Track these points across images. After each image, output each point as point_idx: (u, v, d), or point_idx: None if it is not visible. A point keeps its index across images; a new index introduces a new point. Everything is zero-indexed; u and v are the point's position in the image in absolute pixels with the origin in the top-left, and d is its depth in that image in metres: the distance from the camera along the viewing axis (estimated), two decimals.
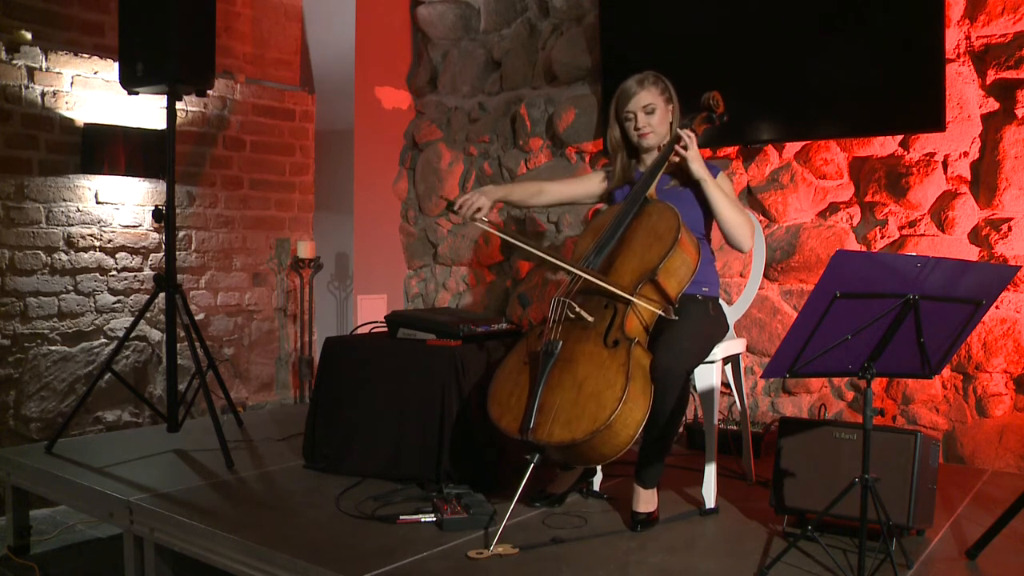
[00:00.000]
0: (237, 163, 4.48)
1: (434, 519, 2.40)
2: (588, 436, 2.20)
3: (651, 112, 2.65)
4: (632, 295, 2.38)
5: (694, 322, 2.47)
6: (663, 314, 2.32)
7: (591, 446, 2.23)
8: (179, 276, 3.97)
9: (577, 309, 2.41)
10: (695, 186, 2.64)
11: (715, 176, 2.64)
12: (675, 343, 2.37)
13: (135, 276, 4.06)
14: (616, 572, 2.09)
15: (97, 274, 3.93)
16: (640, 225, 2.55)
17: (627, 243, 2.54)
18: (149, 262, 4.11)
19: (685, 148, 2.54)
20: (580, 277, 2.48)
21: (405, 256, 4.88)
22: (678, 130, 2.58)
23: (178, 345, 3.18)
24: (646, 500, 2.42)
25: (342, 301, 4.69)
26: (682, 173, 2.66)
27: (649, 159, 2.72)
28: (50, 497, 3.08)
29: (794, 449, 2.33)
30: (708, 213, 2.68)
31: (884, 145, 3.33)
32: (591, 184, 2.90)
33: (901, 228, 3.33)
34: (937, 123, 3.09)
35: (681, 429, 3.47)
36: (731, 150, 3.68)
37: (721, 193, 2.56)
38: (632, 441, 2.25)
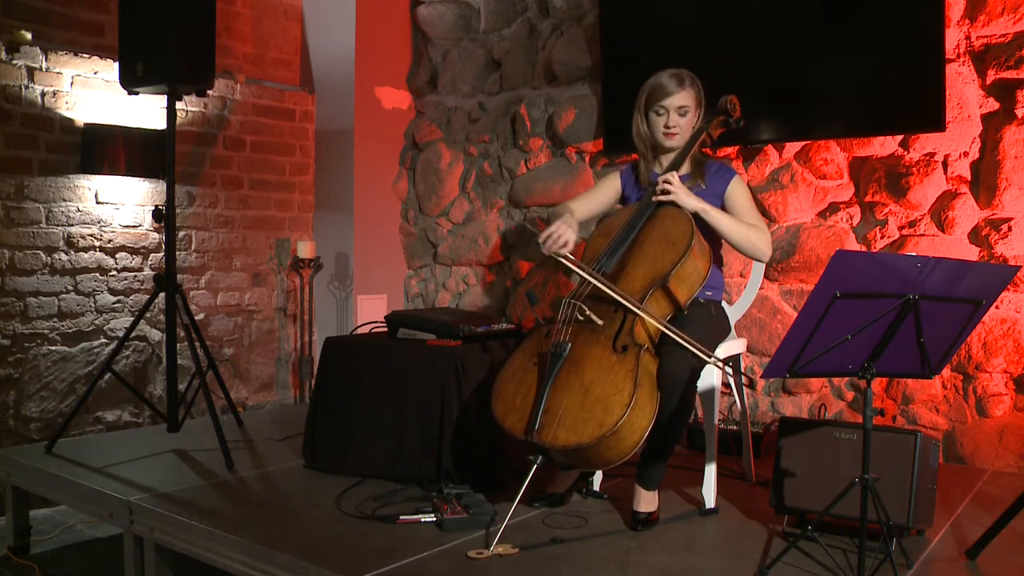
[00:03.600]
0: (237, 163, 4.48)
1: (434, 519, 2.40)
2: (594, 441, 2.19)
3: (684, 114, 2.60)
4: (642, 308, 2.36)
5: (698, 326, 2.46)
6: (706, 359, 2.28)
7: (596, 451, 2.22)
8: (179, 276, 3.97)
9: (587, 312, 2.40)
10: (712, 188, 2.61)
11: (729, 179, 2.62)
12: (679, 348, 2.35)
13: (135, 276, 4.06)
14: (616, 572, 2.09)
15: (97, 274, 3.93)
16: (653, 229, 2.52)
17: (640, 247, 2.52)
18: (149, 262, 4.11)
19: (666, 193, 2.48)
20: (590, 280, 2.45)
21: (405, 256, 4.88)
22: (657, 177, 2.53)
23: (178, 345, 3.18)
24: (647, 500, 2.42)
25: (342, 301, 4.69)
26: (699, 173, 2.65)
27: (666, 159, 2.68)
28: (50, 497, 3.08)
29: (794, 449, 2.33)
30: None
31: (884, 145, 3.33)
32: (609, 191, 2.84)
33: (901, 228, 3.33)
34: (937, 123, 3.09)
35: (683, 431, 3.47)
36: (731, 150, 3.68)
37: (724, 218, 2.51)
38: (637, 447, 2.25)
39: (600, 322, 2.40)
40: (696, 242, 2.44)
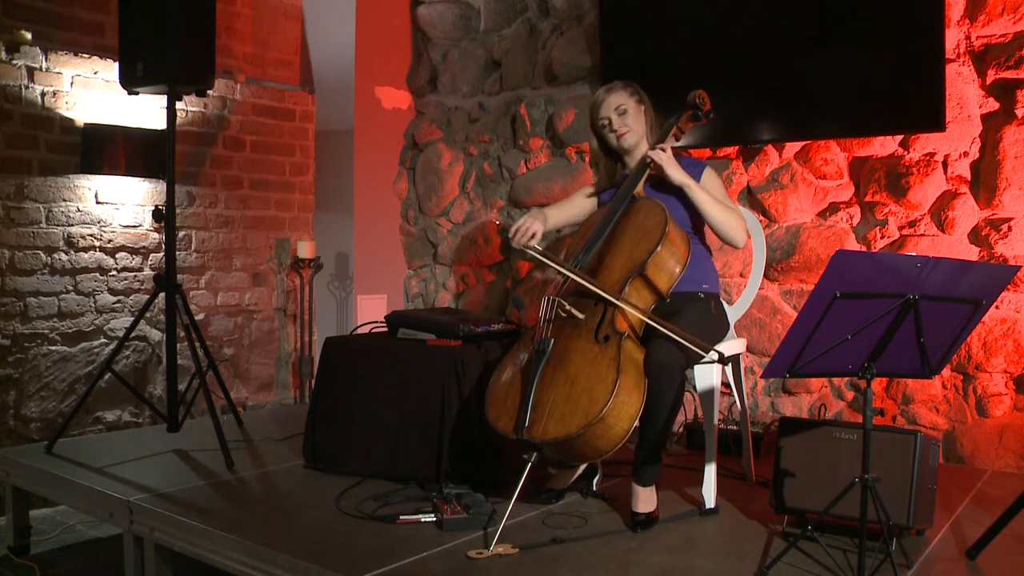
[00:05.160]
0: (237, 163, 4.48)
1: (434, 519, 2.40)
2: (581, 430, 2.21)
3: (623, 112, 2.70)
4: (619, 297, 2.39)
5: (692, 319, 2.47)
6: (707, 356, 2.36)
7: (585, 441, 2.24)
8: (179, 276, 3.97)
9: (568, 307, 2.44)
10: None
11: (701, 170, 2.68)
12: (669, 339, 2.37)
13: (135, 276, 4.06)
14: (616, 572, 2.09)
15: (97, 274, 3.93)
16: (628, 222, 2.58)
17: (616, 240, 2.57)
18: (149, 262, 4.10)
19: (658, 165, 2.58)
20: (570, 276, 2.49)
21: (405, 256, 4.88)
22: (647, 152, 2.62)
23: (178, 345, 3.18)
24: (645, 500, 2.42)
25: (342, 301, 4.69)
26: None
27: (632, 161, 2.75)
28: (50, 497, 3.08)
29: (794, 449, 2.33)
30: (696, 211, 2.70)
31: (884, 145, 3.33)
32: (584, 202, 2.92)
33: (901, 228, 3.33)
34: (937, 123, 3.08)
35: (681, 429, 3.47)
36: (731, 150, 3.68)
37: (705, 195, 2.59)
38: (627, 435, 2.26)
39: (581, 316, 2.43)
40: (671, 229, 2.48)
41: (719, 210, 2.58)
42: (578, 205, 2.93)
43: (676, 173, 2.58)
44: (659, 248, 2.44)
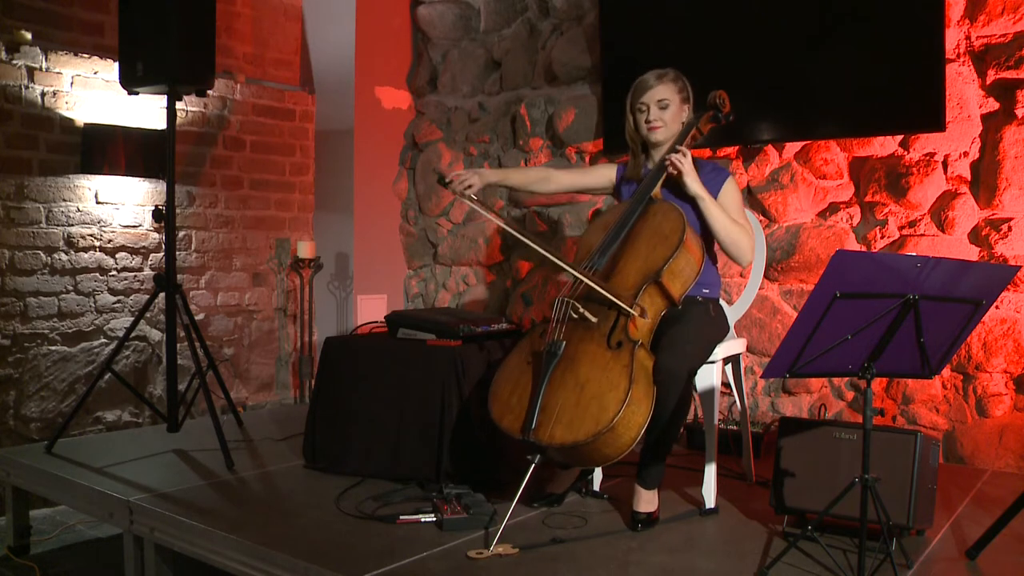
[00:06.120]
0: (237, 163, 4.48)
1: (434, 519, 2.40)
2: (590, 438, 2.19)
3: (664, 107, 2.64)
4: (632, 306, 2.37)
5: (696, 324, 2.47)
6: (626, 307, 2.32)
7: (593, 448, 2.22)
8: (179, 276, 3.97)
9: (581, 310, 2.41)
10: (706, 186, 2.61)
11: (724, 179, 2.64)
12: (677, 345, 2.36)
13: (135, 276, 4.06)
14: (616, 572, 2.09)
15: (97, 274, 3.93)
16: (645, 225, 2.54)
17: (631, 244, 2.53)
18: (149, 262, 4.10)
19: (677, 170, 2.53)
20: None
21: (405, 256, 4.88)
22: (668, 156, 2.55)
23: (178, 345, 3.18)
24: (647, 500, 2.42)
25: (342, 301, 4.69)
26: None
27: (658, 155, 2.69)
28: (50, 497, 3.08)
29: (794, 449, 2.33)
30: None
31: (884, 145, 3.33)
32: (602, 176, 2.88)
33: (901, 228, 3.33)
34: (937, 123, 3.09)
35: (681, 429, 3.47)
36: (731, 150, 3.68)
37: (718, 211, 2.54)
38: (634, 443, 2.25)
39: (594, 319, 2.40)
40: (689, 236, 2.45)
41: (730, 228, 2.54)
42: (594, 177, 2.89)
43: (694, 184, 2.52)
44: (676, 254, 2.41)
